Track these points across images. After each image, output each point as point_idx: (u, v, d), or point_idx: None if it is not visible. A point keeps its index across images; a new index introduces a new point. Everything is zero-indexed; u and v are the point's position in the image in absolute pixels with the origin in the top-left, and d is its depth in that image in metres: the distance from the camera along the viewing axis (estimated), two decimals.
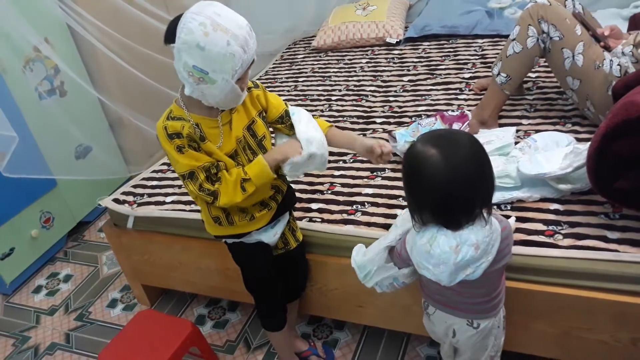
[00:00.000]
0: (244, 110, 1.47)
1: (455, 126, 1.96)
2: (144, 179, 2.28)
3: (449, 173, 1.12)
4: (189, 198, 2.04)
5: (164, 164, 2.38)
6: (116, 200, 2.13)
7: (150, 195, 2.13)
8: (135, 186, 2.23)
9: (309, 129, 1.50)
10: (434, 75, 2.62)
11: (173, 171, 2.28)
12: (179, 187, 2.14)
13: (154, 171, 2.33)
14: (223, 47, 1.22)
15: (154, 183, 2.22)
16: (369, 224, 1.71)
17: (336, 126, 2.32)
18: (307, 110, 2.50)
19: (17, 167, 2.08)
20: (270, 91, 1.56)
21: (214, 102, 1.33)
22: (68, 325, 2.34)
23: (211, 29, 1.21)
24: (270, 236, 1.61)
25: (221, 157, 1.41)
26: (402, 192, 1.80)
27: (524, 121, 2.08)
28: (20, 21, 2.31)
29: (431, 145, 1.15)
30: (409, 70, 2.75)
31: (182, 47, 1.23)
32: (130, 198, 2.13)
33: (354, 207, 1.81)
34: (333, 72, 2.96)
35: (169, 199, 2.07)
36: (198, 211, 1.95)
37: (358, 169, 2.01)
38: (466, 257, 1.16)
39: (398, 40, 3.08)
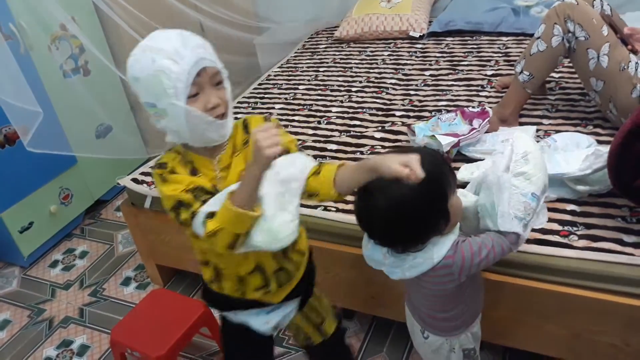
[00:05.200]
0: (246, 151, 1.19)
1: (476, 122, 1.95)
2: None
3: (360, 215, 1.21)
4: None
5: None
6: (135, 180, 2.16)
7: None
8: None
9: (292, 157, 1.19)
10: (456, 71, 2.61)
11: None
12: None
13: None
14: (149, 67, 1.04)
15: None
16: None
17: (354, 117, 2.37)
18: (327, 100, 2.54)
19: (40, 142, 2.11)
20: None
21: (190, 139, 1.12)
22: (82, 300, 2.38)
23: (140, 53, 1.07)
24: (261, 323, 1.29)
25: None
26: None
27: (545, 121, 2.06)
28: None
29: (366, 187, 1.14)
30: (431, 64, 2.74)
31: (132, 86, 1.10)
32: (148, 178, 2.16)
33: None
34: (354, 63, 2.95)
35: None
36: None
37: None
38: (374, 257, 1.26)
39: (421, 34, 3.06)
